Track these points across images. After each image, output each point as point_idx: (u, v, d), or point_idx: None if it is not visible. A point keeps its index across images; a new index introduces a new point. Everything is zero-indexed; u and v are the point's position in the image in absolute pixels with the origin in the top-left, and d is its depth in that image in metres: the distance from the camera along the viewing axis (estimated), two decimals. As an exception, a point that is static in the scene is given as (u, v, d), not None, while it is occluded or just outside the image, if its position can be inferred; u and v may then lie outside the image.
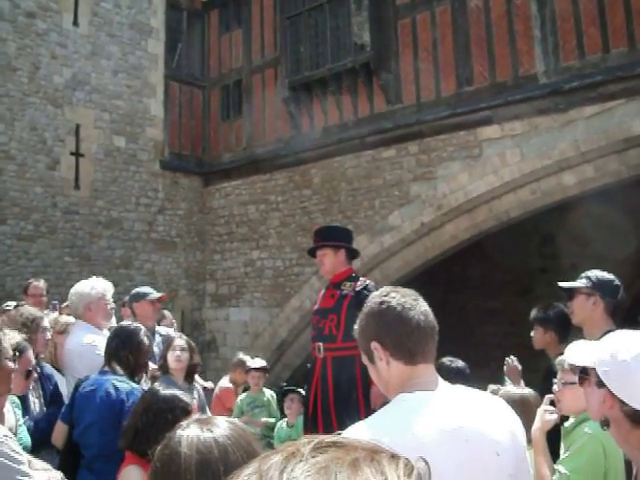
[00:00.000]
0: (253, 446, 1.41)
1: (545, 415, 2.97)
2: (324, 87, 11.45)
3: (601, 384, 1.81)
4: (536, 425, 2.96)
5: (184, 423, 1.46)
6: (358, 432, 1.70)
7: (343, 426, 1.81)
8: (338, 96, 11.33)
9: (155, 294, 5.40)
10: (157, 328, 5.49)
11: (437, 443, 1.68)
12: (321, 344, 4.59)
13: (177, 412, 2.54)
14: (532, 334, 4.57)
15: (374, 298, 1.95)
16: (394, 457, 0.65)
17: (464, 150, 9.87)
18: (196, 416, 1.49)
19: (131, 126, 12.36)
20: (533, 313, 4.59)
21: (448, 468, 1.62)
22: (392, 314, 1.86)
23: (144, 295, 5.33)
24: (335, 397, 4.44)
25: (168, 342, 4.74)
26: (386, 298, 1.90)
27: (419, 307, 1.89)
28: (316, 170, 11.74)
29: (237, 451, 1.36)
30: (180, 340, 4.79)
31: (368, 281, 4.82)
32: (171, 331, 5.93)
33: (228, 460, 1.33)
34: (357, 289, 4.61)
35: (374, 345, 1.89)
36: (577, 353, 2.15)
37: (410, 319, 1.85)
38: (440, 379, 1.90)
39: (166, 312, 7.46)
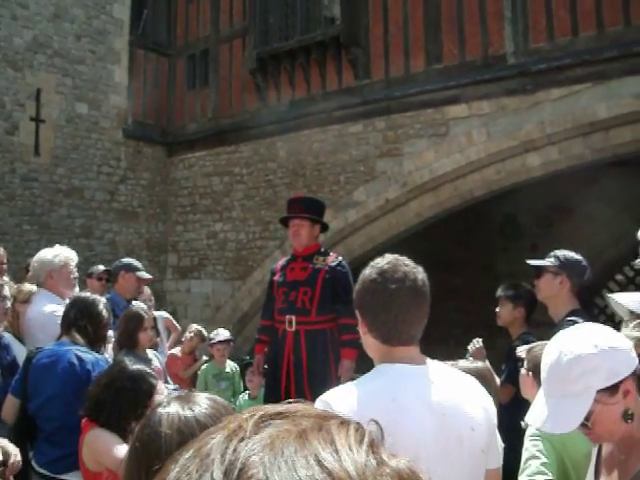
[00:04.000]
0: None
1: None
2: (292, 59, 11.30)
3: None
4: None
5: (165, 401, 1.43)
6: (338, 397, 1.69)
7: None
8: (306, 69, 11.21)
9: (146, 274, 5.54)
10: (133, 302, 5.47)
11: (416, 413, 1.68)
12: (293, 317, 4.54)
13: (140, 394, 2.52)
14: (497, 310, 4.61)
15: (368, 268, 1.90)
16: (344, 423, 0.60)
17: (431, 128, 9.87)
18: (177, 393, 1.45)
19: (94, 92, 12.05)
20: (501, 290, 4.63)
21: (426, 438, 1.63)
22: (374, 299, 1.83)
23: (135, 269, 5.39)
24: (308, 371, 4.41)
25: (138, 321, 4.66)
26: (376, 276, 1.85)
27: (404, 294, 1.83)
28: (282, 143, 11.63)
29: None
30: (149, 320, 4.76)
31: (340, 257, 4.80)
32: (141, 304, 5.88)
33: None
34: (331, 264, 4.57)
35: (357, 312, 1.89)
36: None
37: (390, 308, 1.80)
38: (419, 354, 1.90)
39: (146, 288, 7.48)
